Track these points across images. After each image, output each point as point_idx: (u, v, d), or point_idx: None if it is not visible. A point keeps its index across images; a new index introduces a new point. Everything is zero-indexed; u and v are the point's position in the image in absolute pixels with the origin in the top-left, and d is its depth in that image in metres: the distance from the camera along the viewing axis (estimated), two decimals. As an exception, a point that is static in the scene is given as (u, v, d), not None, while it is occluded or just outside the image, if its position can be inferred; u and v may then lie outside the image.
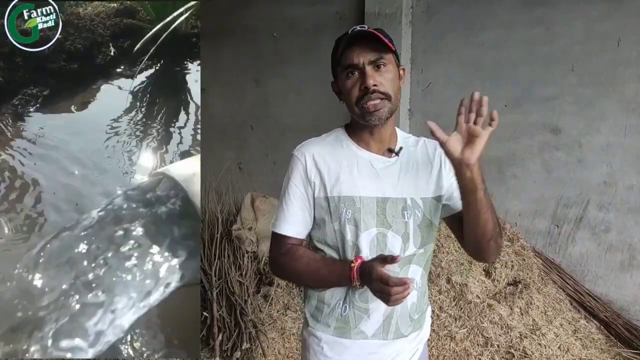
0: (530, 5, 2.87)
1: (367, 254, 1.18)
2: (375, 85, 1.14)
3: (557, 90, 2.84)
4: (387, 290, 1.03)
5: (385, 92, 1.15)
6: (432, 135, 1.06)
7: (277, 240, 1.27)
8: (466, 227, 1.19)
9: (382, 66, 1.16)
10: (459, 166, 1.07)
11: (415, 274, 1.24)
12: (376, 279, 1.05)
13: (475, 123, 1.04)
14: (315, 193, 1.22)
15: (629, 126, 2.67)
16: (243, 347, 2.50)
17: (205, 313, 2.66)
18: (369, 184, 1.20)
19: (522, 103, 2.94)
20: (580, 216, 2.83)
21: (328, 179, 1.21)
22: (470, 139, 1.05)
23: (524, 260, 2.78)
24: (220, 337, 2.55)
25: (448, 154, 1.07)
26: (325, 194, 1.21)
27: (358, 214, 1.18)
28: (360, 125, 1.22)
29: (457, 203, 1.22)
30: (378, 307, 1.19)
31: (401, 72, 1.23)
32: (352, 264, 1.13)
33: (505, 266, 2.72)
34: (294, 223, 1.24)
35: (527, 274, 2.71)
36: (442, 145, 1.06)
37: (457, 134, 1.06)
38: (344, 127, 1.30)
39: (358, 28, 1.16)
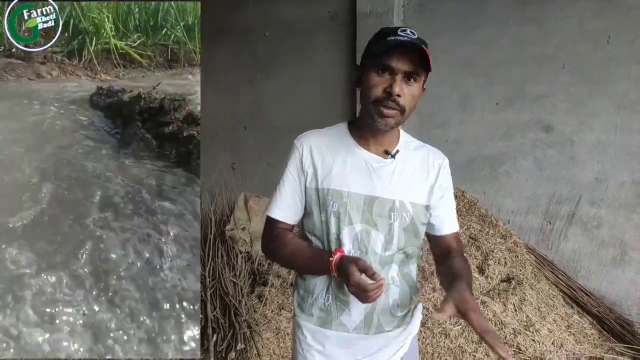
0: (522, 3, 2.88)
1: (349, 248, 1.21)
2: (399, 95, 1.13)
3: (549, 89, 2.86)
4: (365, 297, 1.07)
5: (403, 106, 1.15)
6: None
7: (269, 223, 1.31)
8: (440, 278, 1.31)
9: (412, 80, 1.15)
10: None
11: (395, 272, 1.25)
12: (353, 285, 1.09)
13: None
14: (307, 182, 1.25)
15: (620, 123, 2.70)
16: (238, 348, 2.49)
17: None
18: (359, 181, 1.22)
19: (515, 101, 2.96)
20: (572, 213, 2.85)
21: (321, 171, 1.23)
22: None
23: (517, 256, 2.79)
24: (214, 338, 2.54)
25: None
26: (317, 185, 1.24)
27: (343, 208, 1.20)
28: (363, 123, 1.23)
29: (437, 229, 1.30)
30: (358, 301, 1.21)
31: (423, 92, 1.21)
32: (331, 258, 1.16)
33: (499, 263, 2.72)
34: (285, 208, 1.28)
35: (520, 270, 2.72)
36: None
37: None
38: (347, 123, 1.31)
39: (408, 31, 1.12)
